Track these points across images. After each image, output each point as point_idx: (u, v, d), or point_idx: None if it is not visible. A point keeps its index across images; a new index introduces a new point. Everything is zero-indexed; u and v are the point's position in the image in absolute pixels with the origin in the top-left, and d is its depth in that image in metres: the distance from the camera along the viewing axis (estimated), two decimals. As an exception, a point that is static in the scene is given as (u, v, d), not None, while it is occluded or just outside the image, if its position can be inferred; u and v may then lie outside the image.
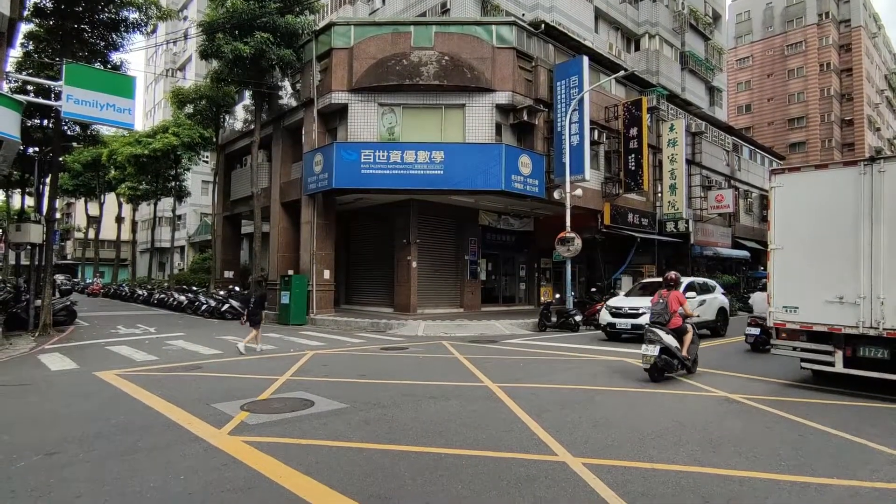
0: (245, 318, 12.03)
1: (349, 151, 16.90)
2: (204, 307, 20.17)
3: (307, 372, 8.58)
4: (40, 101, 13.82)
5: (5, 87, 13.31)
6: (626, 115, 21.82)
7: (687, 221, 24.19)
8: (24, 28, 16.30)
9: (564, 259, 17.66)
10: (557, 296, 18.64)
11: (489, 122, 18.07)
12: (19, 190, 26.06)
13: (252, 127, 20.47)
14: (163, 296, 25.23)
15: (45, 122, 19.11)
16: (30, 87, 16.13)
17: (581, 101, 18.07)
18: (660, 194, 24.86)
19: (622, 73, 19.42)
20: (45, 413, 6.00)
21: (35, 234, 15.01)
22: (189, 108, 24.50)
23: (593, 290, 18.82)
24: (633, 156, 21.54)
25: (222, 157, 25.83)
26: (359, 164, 16.70)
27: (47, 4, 14.89)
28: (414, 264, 18.71)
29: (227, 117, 24.73)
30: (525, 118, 18.33)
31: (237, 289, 21.64)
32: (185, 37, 35.74)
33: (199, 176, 41.16)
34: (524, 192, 17.64)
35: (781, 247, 7.74)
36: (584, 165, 18.03)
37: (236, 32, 17.42)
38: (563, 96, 18.79)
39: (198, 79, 27.12)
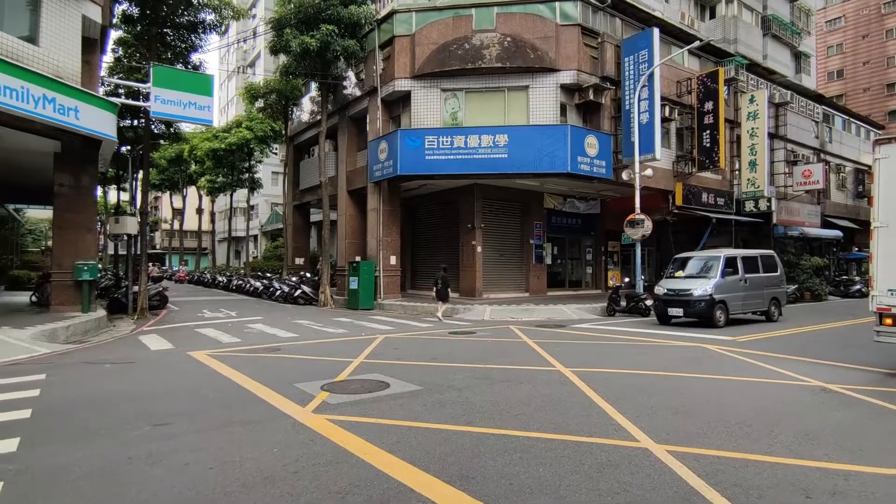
0: (435, 295, 15.02)
1: (413, 138, 17.05)
2: (278, 293, 21.20)
3: (379, 355, 8.84)
4: (132, 102, 14.88)
5: (101, 90, 14.45)
6: (701, 89, 20.60)
7: (769, 200, 22.61)
8: (114, 34, 17.58)
9: (633, 242, 17.06)
10: (626, 279, 18.07)
11: (553, 103, 17.63)
12: (115, 186, 28.34)
13: (319, 118, 21.08)
14: (240, 282, 26.78)
15: (136, 122, 20.61)
16: (121, 90, 17.41)
17: (651, 76, 17.22)
18: (738, 172, 23.37)
19: (696, 43, 18.27)
20: (151, 388, 6.56)
21: (131, 225, 16.30)
22: (260, 103, 25.59)
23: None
24: (707, 132, 20.34)
25: (291, 148, 26.84)
26: (423, 151, 16.83)
27: (134, 11, 15.94)
28: (479, 249, 18.72)
29: (295, 109, 25.63)
30: (591, 97, 17.72)
31: (308, 275, 22.56)
32: (255, 34, 37.25)
33: (269, 167, 43.02)
34: (590, 174, 17.14)
35: (886, 224, 7.08)
36: (655, 144, 17.23)
37: (303, 27, 17.93)
38: (632, 72, 17.98)
39: (267, 74, 28.22)
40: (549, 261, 21.42)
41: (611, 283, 22.66)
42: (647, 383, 6.70)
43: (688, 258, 14.27)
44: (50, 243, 19.54)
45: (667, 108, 18.91)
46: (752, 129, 22.56)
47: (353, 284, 18.01)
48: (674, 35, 20.57)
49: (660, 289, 13.78)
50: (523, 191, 19.92)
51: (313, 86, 22.75)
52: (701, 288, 12.79)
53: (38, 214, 34.75)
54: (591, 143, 17.07)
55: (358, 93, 20.56)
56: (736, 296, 13.19)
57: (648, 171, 17.13)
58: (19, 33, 11.04)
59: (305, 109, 25.14)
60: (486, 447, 4.33)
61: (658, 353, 9.22)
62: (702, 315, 12.68)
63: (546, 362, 8.14)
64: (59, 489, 3.51)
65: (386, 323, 13.83)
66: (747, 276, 13.54)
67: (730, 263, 13.40)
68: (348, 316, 15.70)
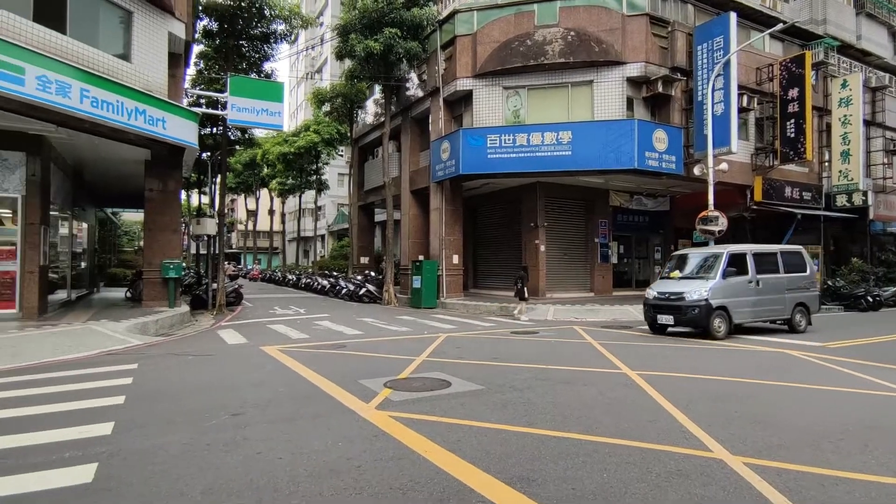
0: (515, 293, 15.38)
1: (475, 137, 17.05)
2: (344, 291, 21.88)
3: (441, 353, 8.91)
4: (211, 111, 15.87)
5: (184, 101, 15.52)
6: (784, 75, 19.20)
7: (864, 193, 20.74)
8: (196, 49, 18.82)
9: (706, 240, 16.17)
10: (700, 280, 17.14)
11: (619, 97, 17.04)
12: (196, 190, 30.37)
13: (382, 119, 21.55)
14: (308, 280, 27.88)
15: (214, 129, 21.95)
16: (202, 100, 18.60)
17: (727, 64, 16.25)
18: (828, 163, 21.59)
19: (779, 26, 17.02)
20: (227, 380, 6.97)
21: (211, 227, 17.40)
22: (326, 107, 26.54)
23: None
24: (792, 121, 18.93)
25: (356, 150, 27.62)
26: (485, 149, 16.80)
27: (213, 26, 16.99)
28: (542, 248, 18.45)
29: (359, 112, 26.36)
30: (660, 89, 16.97)
31: (372, 274, 23.13)
32: (322, 41, 38.64)
33: (336, 169, 44.50)
34: (659, 170, 16.44)
35: None
36: (731, 136, 16.24)
37: (367, 31, 18.40)
38: (705, 61, 17.04)
39: (333, 79, 29.22)
40: (614, 260, 20.75)
41: (682, 283, 21.63)
42: (721, 390, 6.33)
43: (687, 256, 12.27)
44: (141, 244, 21.22)
45: (744, 98, 17.77)
46: (845, 116, 20.76)
47: (416, 283, 18.27)
48: (753, 18, 19.30)
49: (650, 292, 11.79)
50: (588, 188, 19.41)
51: (377, 88, 23.29)
52: (696, 291, 10.72)
53: (132, 217, 37.89)
54: (660, 138, 16.35)
55: (420, 94, 20.82)
56: (743, 300, 11.07)
57: (723, 166, 16.18)
58: (114, 52, 12.08)
59: (369, 112, 25.78)
60: (547, 450, 4.25)
61: (732, 357, 8.69)
62: (696, 323, 10.76)
63: (611, 364, 7.89)
64: (146, 471, 3.80)
65: (448, 322, 13.92)
66: (761, 276, 11.36)
67: (735, 262, 11.24)
68: (411, 314, 15.94)
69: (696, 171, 16.31)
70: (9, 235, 11.40)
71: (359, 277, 22.65)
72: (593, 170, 16.35)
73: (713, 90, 16.38)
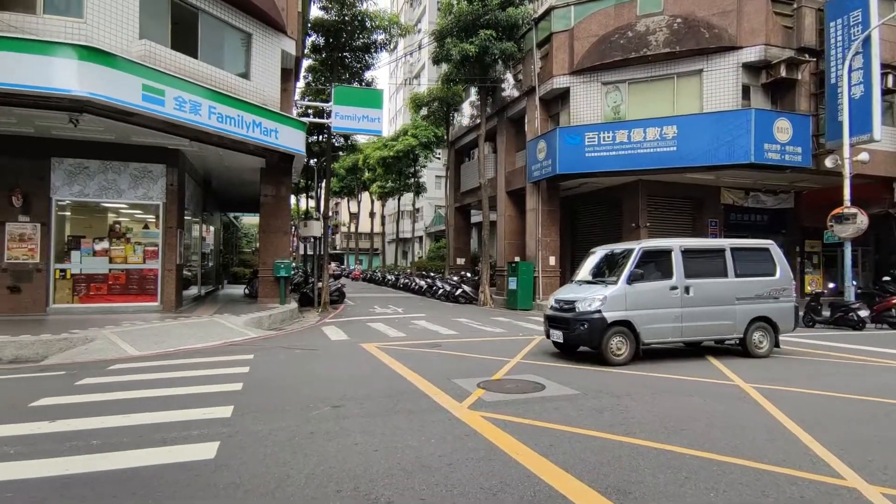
0: None
1: (572, 135, 16.60)
2: (440, 291, 22.31)
3: (536, 356, 8.76)
4: (317, 120, 16.97)
5: (294, 112, 16.75)
6: (940, 50, 16.51)
7: None
8: (304, 63, 20.23)
9: (841, 241, 14.38)
10: (831, 285, 15.32)
11: (733, 85, 15.69)
12: (304, 194, 32.63)
13: (478, 121, 21.69)
14: (406, 280, 28.78)
15: (320, 137, 23.44)
16: (309, 111, 19.94)
17: (867, 40, 14.34)
18: None
19: (933, -6, 14.70)
20: (330, 373, 7.40)
21: (317, 229, 18.58)
22: (424, 111, 27.25)
23: (887, 278, 14.83)
24: (951, 102, 16.23)
25: (452, 152, 28.05)
26: (583, 148, 16.29)
27: (320, 41, 18.15)
28: (643, 249, 17.48)
29: (455, 115, 26.76)
30: (783, 74, 15.37)
31: (468, 275, 23.35)
32: (419, 47, 39.76)
33: (433, 171, 45.54)
34: (781, 163, 14.89)
35: None
36: (873, 122, 14.30)
37: (462, 34, 18.63)
38: (840, 39, 15.17)
39: (430, 83, 29.93)
40: (727, 262, 19.11)
41: (809, 288, 19.40)
42: (855, 409, 5.59)
43: (610, 253, 9.30)
44: (257, 245, 23.23)
45: (889, 78, 15.54)
46: None
47: (512, 285, 18.15)
48: (899, -12, 16.83)
49: (551, 299, 9.39)
50: (695, 185, 18.08)
51: (473, 91, 23.50)
52: (588, 300, 8.20)
53: (249, 220, 41.67)
54: (783, 128, 14.81)
55: (516, 94, 20.68)
56: (659, 314, 8.24)
57: (863, 156, 14.29)
58: (236, 71, 13.34)
59: (465, 114, 26.06)
60: (646, 461, 4.02)
61: (870, 373, 7.64)
62: (586, 342, 8.17)
63: (721, 374, 7.28)
64: (259, 452, 4.14)
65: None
66: (694, 281, 8.46)
67: (651, 261, 8.44)
68: (506, 316, 15.87)
69: (829, 162, 14.57)
70: (153, 238, 13.02)
71: (455, 278, 22.97)
72: (702, 166, 15.20)
73: (850, 71, 14.53)
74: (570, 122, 17.51)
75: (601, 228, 20.27)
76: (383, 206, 46.86)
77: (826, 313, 13.46)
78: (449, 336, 11.42)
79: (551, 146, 17.10)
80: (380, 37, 18.66)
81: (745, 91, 15.93)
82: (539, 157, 17.95)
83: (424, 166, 37.56)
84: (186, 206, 14.54)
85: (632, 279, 8.17)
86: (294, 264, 20.70)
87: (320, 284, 17.84)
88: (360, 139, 32.08)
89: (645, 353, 8.59)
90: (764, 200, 19.78)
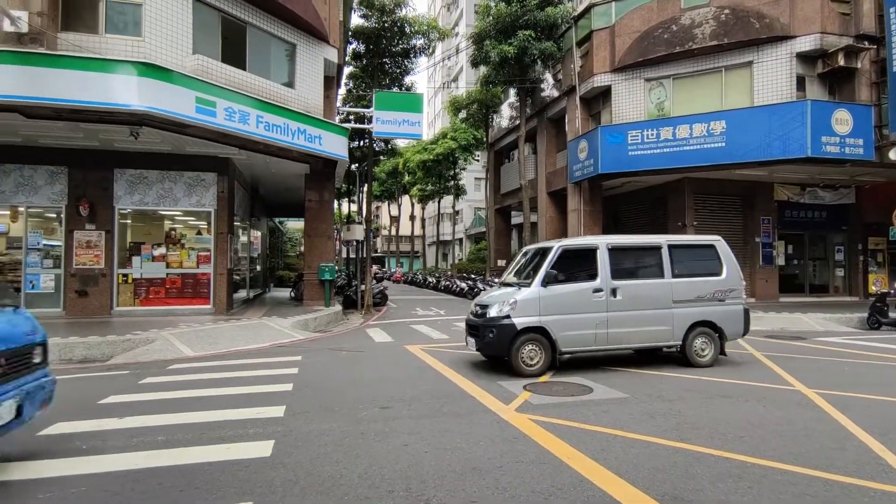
0: None
1: (614, 134, 16.28)
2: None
3: (583, 359, 8.62)
4: (359, 126, 17.28)
5: (336, 118, 17.11)
6: None
7: None
8: (346, 70, 20.64)
9: (909, 238, 13.51)
10: (897, 285, 14.37)
11: (786, 76, 15.02)
12: (346, 198, 33.27)
13: (517, 122, 21.57)
14: (447, 283, 28.85)
15: (361, 142, 23.85)
16: (351, 117, 20.35)
17: (934, 24, 13.43)
18: None
19: None
20: (375, 375, 7.51)
21: (359, 232, 18.90)
22: (463, 114, 27.33)
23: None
24: None
25: (492, 154, 27.99)
26: (625, 146, 15.95)
27: (360, 48, 18.50)
28: (691, 249, 16.93)
29: (494, 117, 26.71)
30: (840, 63, 14.61)
31: (509, 276, 23.18)
32: (457, 51, 39.92)
33: (472, 174, 45.56)
34: (840, 156, 14.14)
35: None
36: (942, 110, 13.37)
37: (501, 36, 18.59)
38: (902, 24, 14.27)
39: (469, 86, 29.98)
40: (781, 262, 18.30)
41: (873, 288, 18.32)
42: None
43: (544, 250, 8.10)
44: (302, 249, 23.81)
45: (960, 63, 14.51)
46: None
47: (553, 286, 17.91)
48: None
49: (471, 305, 8.59)
50: (745, 182, 17.39)
51: (512, 92, 23.39)
52: (499, 304, 7.52)
53: (294, 225, 42.80)
54: (842, 119, 14.06)
55: (555, 94, 20.46)
56: (580, 319, 7.45)
57: (930, 147, 13.40)
58: (281, 81, 13.76)
59: (505, 116, 25.97)
60: (703, 468, 3.89)
61: None
62: (494, 349, 7.45)
63: (780, 379, 6.96)
64: (312, 452, 4.25)
65: (587, 326, 13.43)
66: (624, 283, 7.65)
67: (572, 261, 7.60)
68: (548, 317, 15.67)
69: (893, 155, 13.75)
70: (205, 243, 13.57)
71: (496, 280, 22.87)
72: (753, 161, 14.60)
73: (914, 58, 13.65)
74: (612, 120, 17.17)
75: (645, 228, 19.78)
76: (423, 208, 47.21)
77: (893, 314, 12.67)
78: (492, 338, 11.36)
79: (593, 146, 16.82)
80: (419, 42, 18.86)
81: (800, 82, 15.22)
82: (580, 157, 17.68)
83: (464, 169, 37.64)
84: (236, 213, 15.07)
85: (547, 281, 7.36)
86: (337, 268, 21.12)
87: (363, 287, 18.13)
88: (400, 143, 32.44)
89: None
90: (822, 196, 18.82)
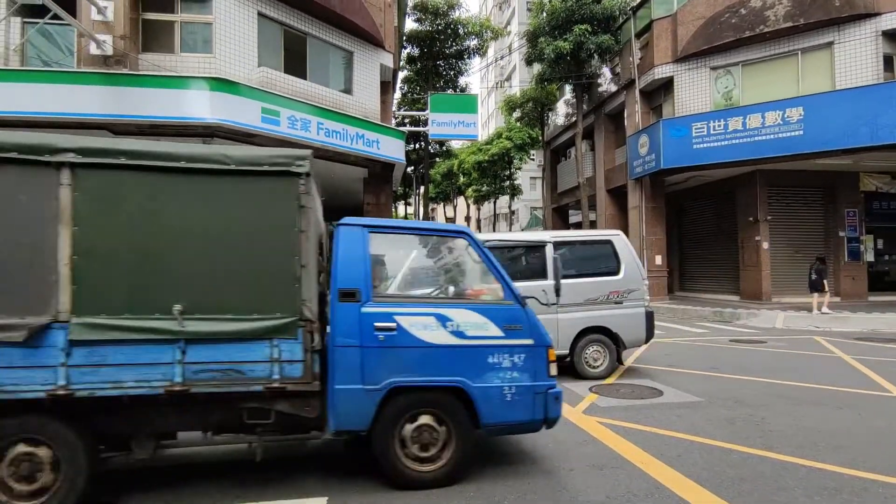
0: (810, 287, 13.60)
1: (677, 127, 15.61)
2: (539, 293, 21.91)
3: (649, 360, 8.30)
4: (415, 129, 17.50)
5: (392, 122, 17.40)
6: None
7: None
8: (401, 75, 20.97)
9: None
10: None
11: (872, 56, 13.86)
12: (402, 201, 33.77)
13: (574, 119, 21.13)
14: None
15: (417, 145, 24.12)
16: (406, 120, 20.65)
17: None
18: None
19: None
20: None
21: (416, 234, 19.12)
22: (517, 113, 27.08)
23: None
24: None
25: (548, 152, 27.56)
26: (689, 139, 15.26)
27: (415, 52, 18.74)
28: (764, 245, 15.97)
29: (550, 115, 26.29)
30: (936, 38, 13.30)
31: (568, 276, 22.74)
32: (510, 50, 39.65)
33: (528, 173, 45.04)
34: (938, 141, 12.86)
35: None
36: None
37: (555, 32, 18.27)
38: None
39: (523, 84, 29.69)
40: (869, 257, 16.87)
41: (979, 286, 16.57)
42: None
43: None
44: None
45: None
46: None
47: (614, 286, 17.38)
48: None
49: None
50: (826, 172, 16.16)
51: (567, 88, 22.94)
52: None
53: (353, 229, 43.89)
54: (938, 100, 12.80)
55: (613, 88, 19.88)
56: None
57: None
58: (339, 88, 14.14)
59: (560, 113, 25.50)
60: (795, 480, 3.62)
61: None
62: None
63: (876, 385, 6.41)
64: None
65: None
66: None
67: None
68: (610, 318, 15.23)
69: None
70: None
71: (553, 280, 22.47)
72: (836, 150, 13.56)
73: None
74: (675, 112, 16.46)
75: (712, 224, 18.84)
76: (479, 209, 47.17)
77: None
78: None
79: (654, 140, 16.19)
80: (472, 42, 18.89)
81: (888, 62, 13.99)
82: (641, 153, 17.07)
83: (519, 168, 37.26)
84: (299, 218, 15.59)
85: None
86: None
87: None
88: (455, 144, 32.59)
89: (775, 358, 7.78)
90: (915, 185, 17.22)
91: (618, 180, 19.65)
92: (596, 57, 19.04)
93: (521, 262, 7.16)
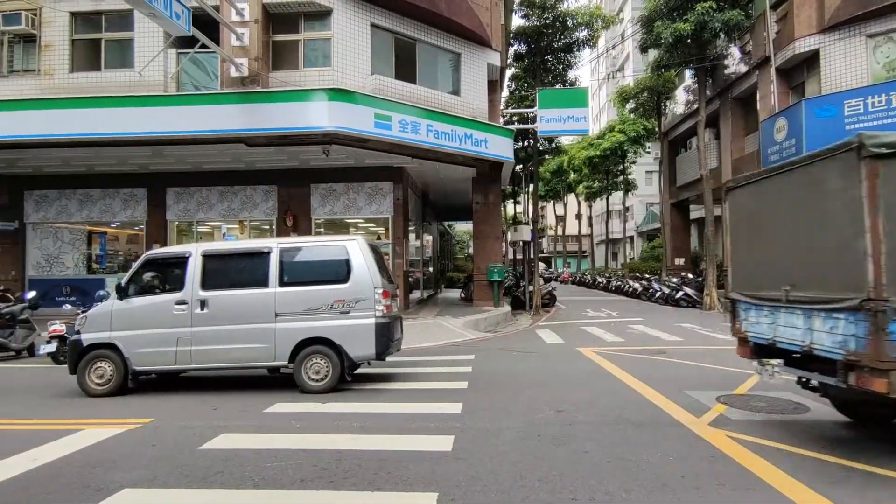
0: None
1: (824, 106, 13.72)
2: (657, 294, 20.59)
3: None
4: (523, 126, 17.28)
5: (500, 121, 17.34)
6: None
7: None
8: (508, 73, 20.83)
9: None
10: None
11: None
12: (511, 200, 33.57)
13: (695, 106, 19.51)
14: (619, 283, 27.30)
15: (525, 143, 23.82)
16: (514, 118, 20.47)
17: None
18: None
19: None
20: (548, 377, 7.36)
21: (525, 233, 18.91)
22: (631, 104, 25.63)
23: None
24: None
25: (665, 144, 25.76)
26: (840, 120, 13.35)
27: (522, 49, 18.49)
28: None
29: (667, 104, 24.55)
30: None
31: (690, 276, 21.10)
32: (622, 38, 37.69)
33: (643, 167, 42.55)
34: None
35: None
36: None
37: (673, 14, 16.98)
38: None
39: (637, 73, 28.05)
40: None
41: None
42: None
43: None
44: (470, 251, 24.64)
45: None
46: None
47: (746, 287, 15.76)
48: None
49: None
50: None
51: (688, 74, 21.24)
52: (79, 319, 6.99)
53: (461, 228, 44.58)
54: None
55: (743, 69, 18.02)
56: (156, 335, 6.62)
57: None
58: (447, 89, 14.39)
59: (679, 101, 23.71)
60: None
61: None
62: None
63: None
64: (490, 450, 4.28)
65: (793, 333, 11.51)
66: (218, 294, 6.63)
67: (158, 270, 7.01)
68: (741, 322, 13.83)
69: None
70: (384, 248, 14.81)
71: (674, 280, 20.98)
72: None
73: None
74: (820, 90, 14.50)
75: (872, 216, 16.30)
76: (590, 206, 45.47)
77: None
78: (674, 342, 10.40)
79: (794, 123, 14.38)
80: (582, 34, 18.19)
81: None
82: (777, 139, 15.25)
83: (633, 162, 35.31)
84: (409, 218, 16.15)
85: (124, 293, 6.66)
86: (505, 269, 21.36)
87: (531, 288, 18.04)
88: (564, 141, 31.71)
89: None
90: None
91: (748, 170, 17.76)
92: (722, 36, 17.37)
93: (244, 270, 6.88)
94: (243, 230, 14.93)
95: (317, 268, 6.81)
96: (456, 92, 14.55)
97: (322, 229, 15.12)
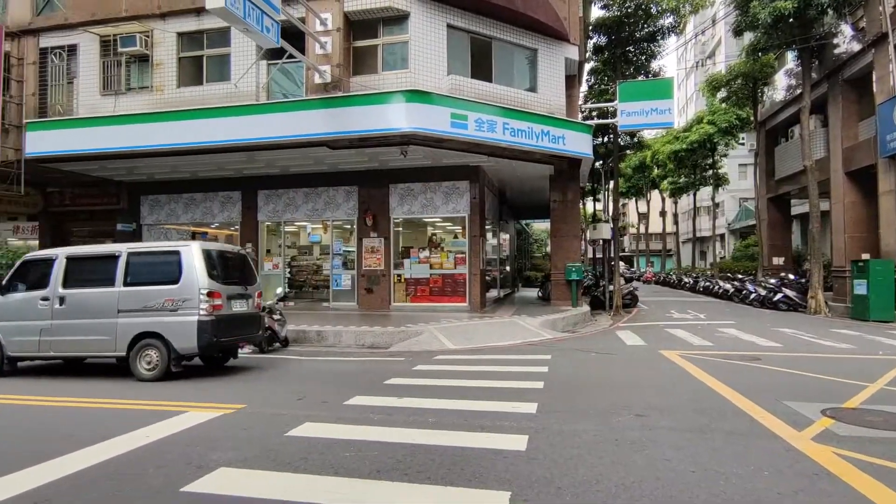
0: None
1: (956, 85, 12.07)
2: (752, 296, 19.14)
3: (911, 384, 6.58)
4: (602, 121, 16.71)
5: (579, 116, 16.87)
6: None
7: None
8: (586, 67, 20.23)
9: None
10: None
11: None
12: (591, 197, 32.57)
13: (798, 92, 17.91)
14: (707, 283, 25.67)
15: (605, 138, 23.04)
16: (594, 113, 19.81)
17: None
18: None
19: None
20: (628, 379, 7.07)
21: (605, 231, 18.29)
22: (722, 93, 23.98)
23: None
24: None
25: (762, 134, 23.84)
26: (977, 99, 11.68)
27: (601, 41, 17.88)
28: None
29: (765, 90, 22.70)
30: None
31: (790, 277, 19.40)
32: (713, 22, 35.31)
33: (735, 160, 39.65)
34: None
35: None
36: None
37: (773, -8, 15.64)
38: None
39: (729, 59, 26.14)
40: None
41: None
42: None
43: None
44: (548, 249, 24.22)
45: None
46: None
47: (860, 289, 14.26)
48: None
49: None
50: None
51: (789, 56, 19.52)
52: None
53: (539, 226, 43.91)
54: None
55: (856, 47, 16.26)
56: (25, 326, 7.88)
57: None
58: (523, 87, 14.23)
59: (779, 87, 21.84)
60: None
61: None
62: None
63: None
64: (565, 452, 4.19)
65: (916, 342, 10.26)
66: (73, 291, 7.75)
67: (32, 270, 8.24)
68: (852, 328, 12.54)
69: None
70: (460, 246, 14.93)
71: (772, 281, 19.39)
72: None
73: None
74: (953, 66, 12.76)
75: None
76: (675, 203, 43.15)
77: None
78: (770, 348, 9.62)
79: (920, 104, 12.78)
80: (667, 21, 17.27)
81: None
82: (898, 122, 13.63)
83: (725, 155, 32.97)
84: (486, 216, 16.15)
85: (4, 289, 8.06)
86: (584, 268, 20.80)
87: (611, 287, 17.43)
88: (647, 135, 30.29)
89: None
90: None
91: (862, 160, 16.03)
92: (830, 12, 15.79)
93: (97, 271, 7.84)
94: (326, 230, 15.67)
95: (156, 270, 7.73)
96: (532, 89, 14.34)
97: (400, 228, 15.51)
